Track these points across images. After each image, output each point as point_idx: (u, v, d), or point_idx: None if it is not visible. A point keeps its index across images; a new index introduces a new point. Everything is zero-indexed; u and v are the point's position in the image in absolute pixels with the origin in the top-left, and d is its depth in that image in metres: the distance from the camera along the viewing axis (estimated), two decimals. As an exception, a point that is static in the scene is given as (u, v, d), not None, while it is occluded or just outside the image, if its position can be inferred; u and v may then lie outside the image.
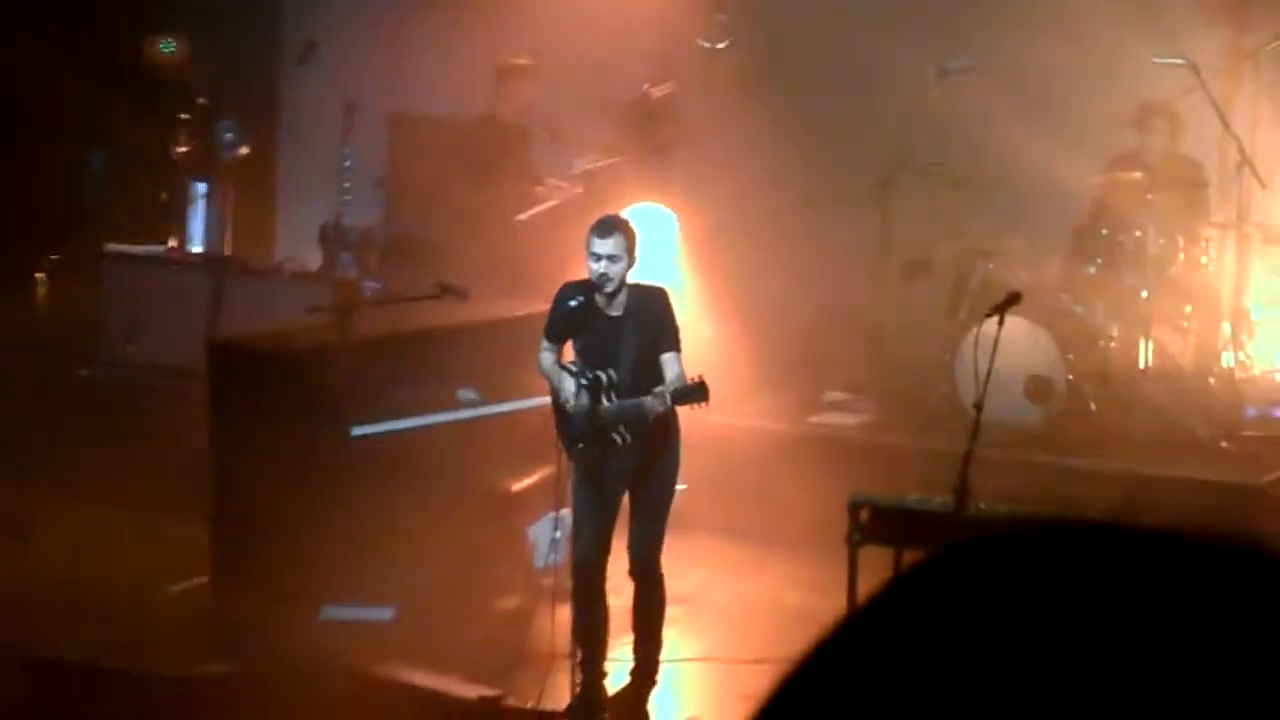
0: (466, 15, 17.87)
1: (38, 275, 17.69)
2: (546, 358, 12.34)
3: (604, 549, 12.22)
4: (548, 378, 12.35)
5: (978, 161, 16.31)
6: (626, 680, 12.35)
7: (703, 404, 11.86)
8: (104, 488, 15.47)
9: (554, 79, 17.52)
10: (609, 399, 12.03)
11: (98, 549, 14.89)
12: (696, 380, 11.81)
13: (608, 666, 12.34)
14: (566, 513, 12.53)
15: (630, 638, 12.39)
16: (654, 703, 12.40)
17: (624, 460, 12.12)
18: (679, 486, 12.68)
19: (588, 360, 12.16)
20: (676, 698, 12.60)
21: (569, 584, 12.50)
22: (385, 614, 13.27)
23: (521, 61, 17.45)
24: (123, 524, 15.15)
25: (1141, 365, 15.70)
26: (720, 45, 17.58)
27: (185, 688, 12.29)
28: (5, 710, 11.82)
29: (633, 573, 12.25)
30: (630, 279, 12.19)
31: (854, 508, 12.02)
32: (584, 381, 12.11)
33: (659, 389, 11.79)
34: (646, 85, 17.54)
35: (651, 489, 12.23)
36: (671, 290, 12.53)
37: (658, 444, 12.12)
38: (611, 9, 17.64)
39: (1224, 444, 15.36)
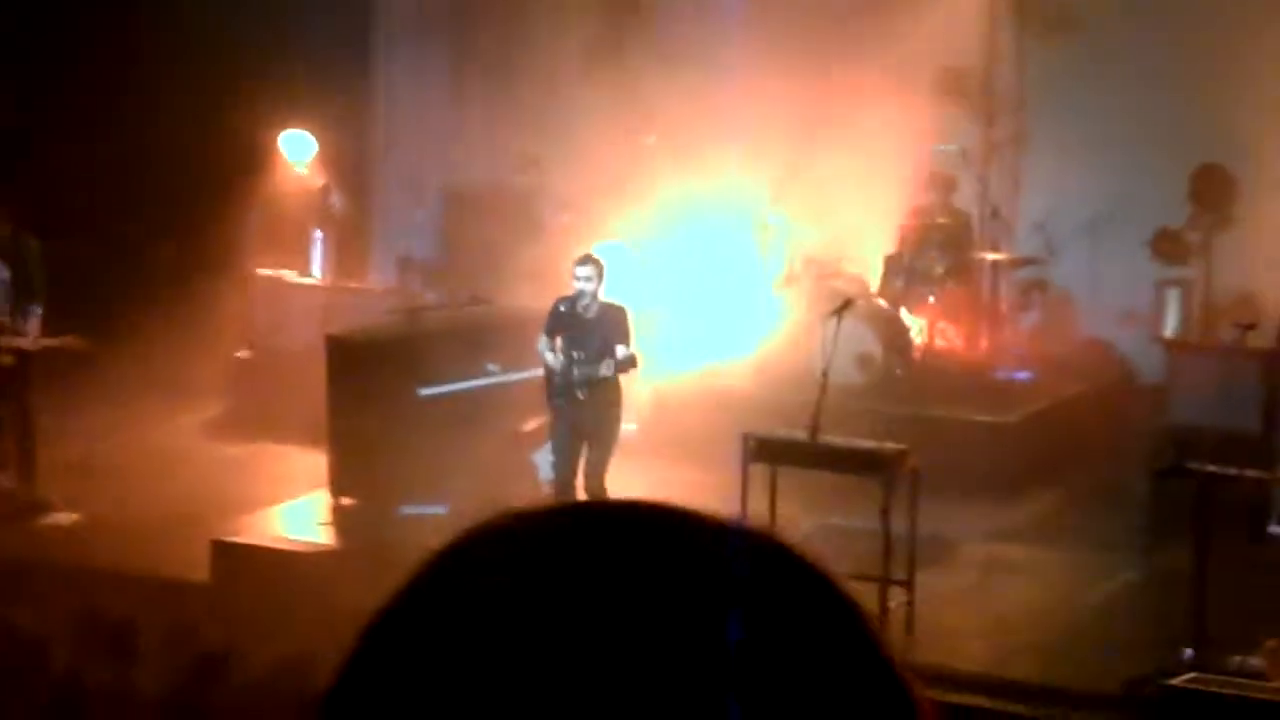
0: (499, 114, 17.74)
1: (215, 292, 17.51)
2: (543, 343, 12.36)
3: (573, 470, 12.35)
4: (541, 357, 12.39)
5: (823, 208, 16.25)
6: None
7: (634, 369, 12.08)
8: (256, 427, 15.40)
9: (552, 163, 17.43)
10: (575, 371, 12.13)
11: (250, 467, 14.86)
12: (629, 356, 12.00)
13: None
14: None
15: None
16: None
17: (583, 411, 12.19)
18: (629, 427, 12.71)
19: (568, 346, 12.20)
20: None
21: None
22: (441, 509, 13.21)
23: (529, 154, 17.41)
24: (268, 451, 15.10)
25: (931, 345, 15.70)
26: (650, 140, 17.45)
27: (317, 559, 12.21)
28: (191, 581, 11.66)
29: (586, 488, 12.27)
30: (601, 296, 12.27)
31: (745, 438, 11.95)
32: (562, 358, 12.20)
33: (607, 361, 11.94)
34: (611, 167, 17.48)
35: (599, 431, 12.27)
36: (628, 307, 12.55)
37: (604, 401, 12.19)
38: (585, 117, 17.51)
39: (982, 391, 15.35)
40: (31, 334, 13.78)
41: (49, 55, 16.33)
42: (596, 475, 12.32)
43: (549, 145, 17.47)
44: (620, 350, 12.19)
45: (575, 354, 12.23)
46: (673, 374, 15.23)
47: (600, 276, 12.36)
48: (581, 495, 12.28)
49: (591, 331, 12.26)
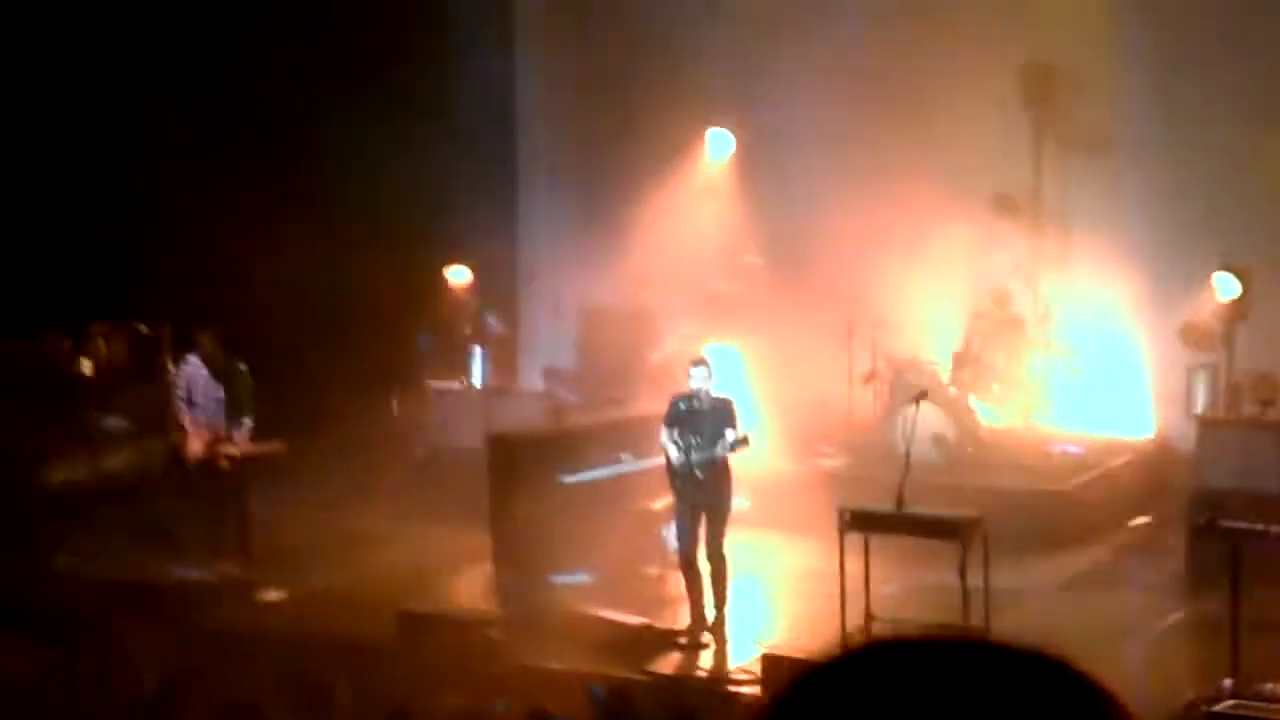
0: (622, 242, 17.83)
1: (392, 401, 17.66)
2: (664, 434, 12.31)
3: (695, 542, 12.22)
4: (664, 447, 12.32)
5: (900, 315, 16.20)
6: (713, 613, 12.26)
7: (746, 448, 11.99)
8: (430, 514, 15.45)
9: (666, 284, 17.50)
10: (692, 454, 12.06)
11: (427, 547, 14.89)
12: (743, 436, 11.91)
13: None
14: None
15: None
16: (729, 626, 12.30)
17: (701, 490, 12.11)
18: (742, 503, 12.63)
19: (684, 435, 12.14)
20: (740, 623, 12.43)
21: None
22: (585, 578, 13.19)
23: (646, 278, 17.50)
24: (440, 533, 15.12)
25: (994, 427, 15.58)
26: (756, 261, 17.51)
27: (484, 626, 12.19)
28: (380, 645, 11.68)
29: (708, 557, 12.21)
30: (713, 391, 12.22)
31: (841, 511, 11.87)
32: (681, 445, 12.13)
33: (722, 443, 11.87)
34: (719, 285, 17.54)
35: (716, 507, 12.20)
36: (735, 399, 12.49)
37: (718, 481, 12.12)
38: (692, 243, 17.59)
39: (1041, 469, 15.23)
40: (243, 442, 13.94)
41: (258, 211, 16.56)
42: (716, 545, 12.25)
43: (666, 269, 17.55)
44: (729, 434, 12.12)
45: (693, 441, 12.19)
46: (778, 457, 15.16)
47: (711, 375, 12.35)
48: (703, 563, 12.25)
49: (705, 421, 12.21)
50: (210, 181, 16.63)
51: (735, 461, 12.33)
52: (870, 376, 16.25)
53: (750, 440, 12.09)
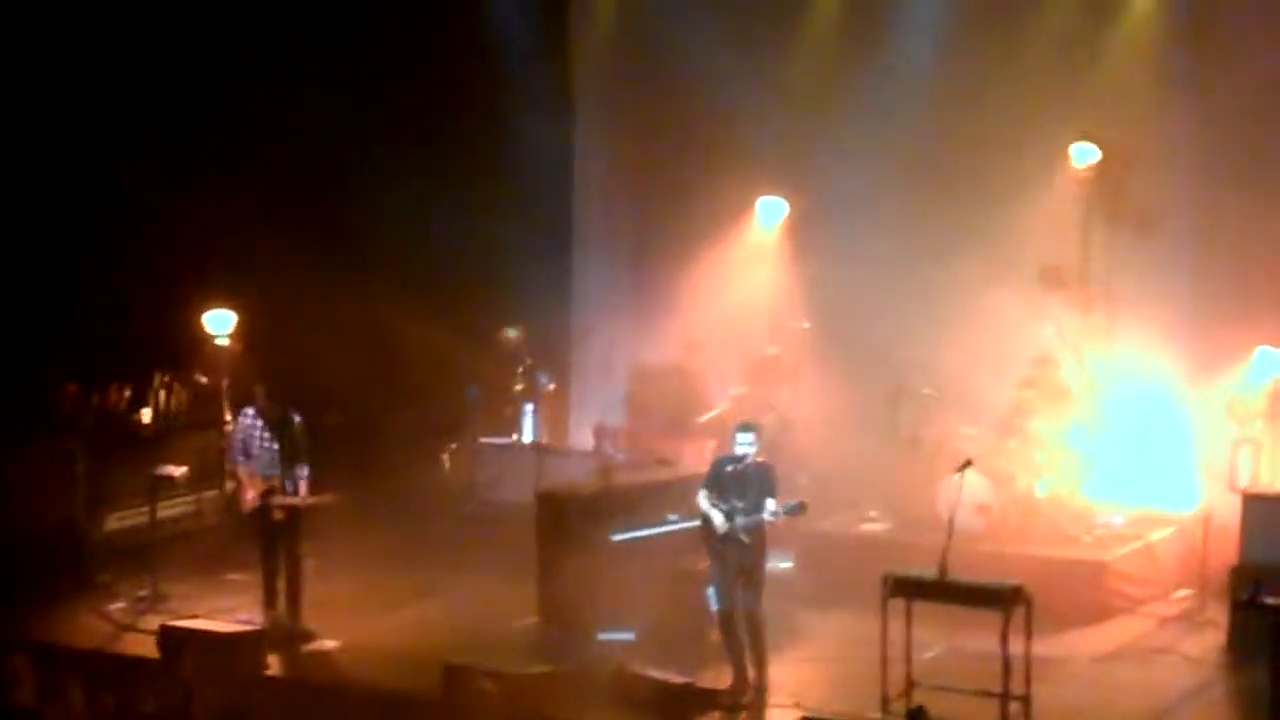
0: (672, 306, 17.96)
1: (443, 455, 17.77)
2: (703, 496, 12.34)
3: (734, 603, 12.20)
4: (701, 507, 12.34)
5: (946, 383, 16.23)
6: (753, 672, 12.26)
7: (803, 514, 11.97)
8: (479, 568, 15.51)
9: (714, 346, 17.60)
10: (737, 518, 12.07)
11: (475, 601, 14.93)
12: (801, 503, 11.90)
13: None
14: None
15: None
16: (770, 687, 12.31)
17: (745, 552, 12.12)
18: (784, 565, 12.61)
19: (726, 498, 12.17)
20: (781, 684, 12.43)
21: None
22: (630, 635, 13.19)
23: (695, 340, 17.59)
24: (489, 587, 15.16)
25: (1038, 496, 15.56)
26: (804, 325, 17.60)
27: (531, 681, 12.20)
28: (429, 700, 11.68)
29: (747, 618, 12.22)
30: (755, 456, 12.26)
31: (885, 577, 11.87)
32: (724, 508, 12.15)
33: (774, 509, 11.86)
34: (767, 349, 17.60)
35: (756, 569, 12.20)
36: (774, 465, 12.48)
37: (759, 544, 12.13)
38: (741, 307, 17.70)
39: (1085, 538, 15.18)
40: (300, 494, 14.04)
41: (317, 269, 16.74)
42: (755, 607, 12.26)
43: (715, 331, 17.63)
44: (770, 501, 12.13)
45: (737, 505, 12.21)
46: (824, 521, 15.17)
47: (758, 441, 12.38)
48: (741, 622, 12.26)
49: (750, 485, 12.25)
50: (272, 242, 16.82)
51: (781, 525, 12.32)
52: (918, 443, 16.23)
53: (807, 507, 12.09)
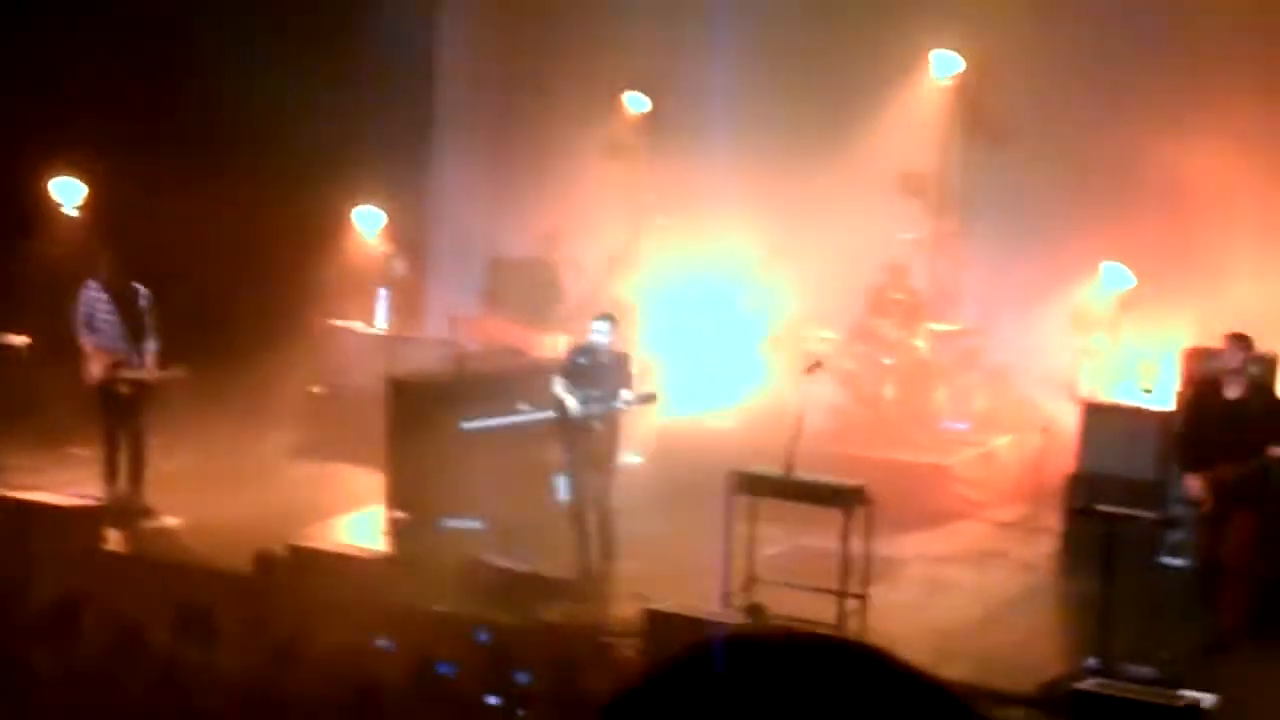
0: (532, 196, 17.82)
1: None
2: (558, 384, 12.32)
3: (584, 492, 12.25)
4: (556, 396, 12.33)
5: (800, 283, 16.26)
6: (599, 563, 12.30)
7: (654, 404, 12.02)
8: (327, 451, 15.40)
9: (572, 240, 17.51)
10: (592, 407, 12.08)
11: (320, 483, 14.83)
12: (650, 393, 11.94)
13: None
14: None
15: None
16: (614, 579, 12.34)
17: (595, 441, 12.13)
18: (635, 459, 12.64)
19: (581, 387, 12.16)
20: (625, 577, 12.47)
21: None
22: (477, 524, 13.17)
23: (554, 230, 17.46)
24: (335, 470, 15.07)
25: (886, 399, 15.69)
26: (662, 220, 17.51)
27: (376, 565, 12.15)
28: (268, 578, 11.54)
29: (596, 509, 12.31)
30: (611, 346, 12.22)
31: (731, 473, 11.92)
32: (579, 396, 12.14)
33: (626, 396, 11.88)
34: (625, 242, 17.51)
35: (607, 458, 12.23)
36: (631, 355, 12.47)
37: (611, 433, 12.15)
38: (600, 201, 17.56)
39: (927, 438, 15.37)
40: (148, 367, 13.79)
41: (169, 146, 16.37)
42: (604, 498, 12.28)
43: (573, 222, 17.53)
44: (625, 390, 12.13)
45: (591, 394, 12.19)
46: (674, 416, 15.21)
47: (614, 330, 12.34)
48: (590, 513, 12.27)
49: (604, 375, 12.21)
50: (126, 118, 16.42)
51: (627, 419, 12.35)
52: (771, 342, 16.29)
53: (657, 397, 12.13)
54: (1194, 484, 11.22)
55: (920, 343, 15.80)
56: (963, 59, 16.23)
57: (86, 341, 13.81)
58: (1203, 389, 11.73)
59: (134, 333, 13.73)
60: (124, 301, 13.73)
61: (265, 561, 11.57)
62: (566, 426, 12.29)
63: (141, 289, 13.80)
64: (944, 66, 16.28)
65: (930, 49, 16.26)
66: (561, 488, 12.91)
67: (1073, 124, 15.88)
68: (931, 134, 16.41)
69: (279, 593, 11.01)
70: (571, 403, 12.19)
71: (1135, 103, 15.50)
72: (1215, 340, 12.11)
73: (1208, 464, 11.12)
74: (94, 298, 13.79)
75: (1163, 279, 15.19)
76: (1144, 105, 15.43)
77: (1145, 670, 10.39)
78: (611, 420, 12.14)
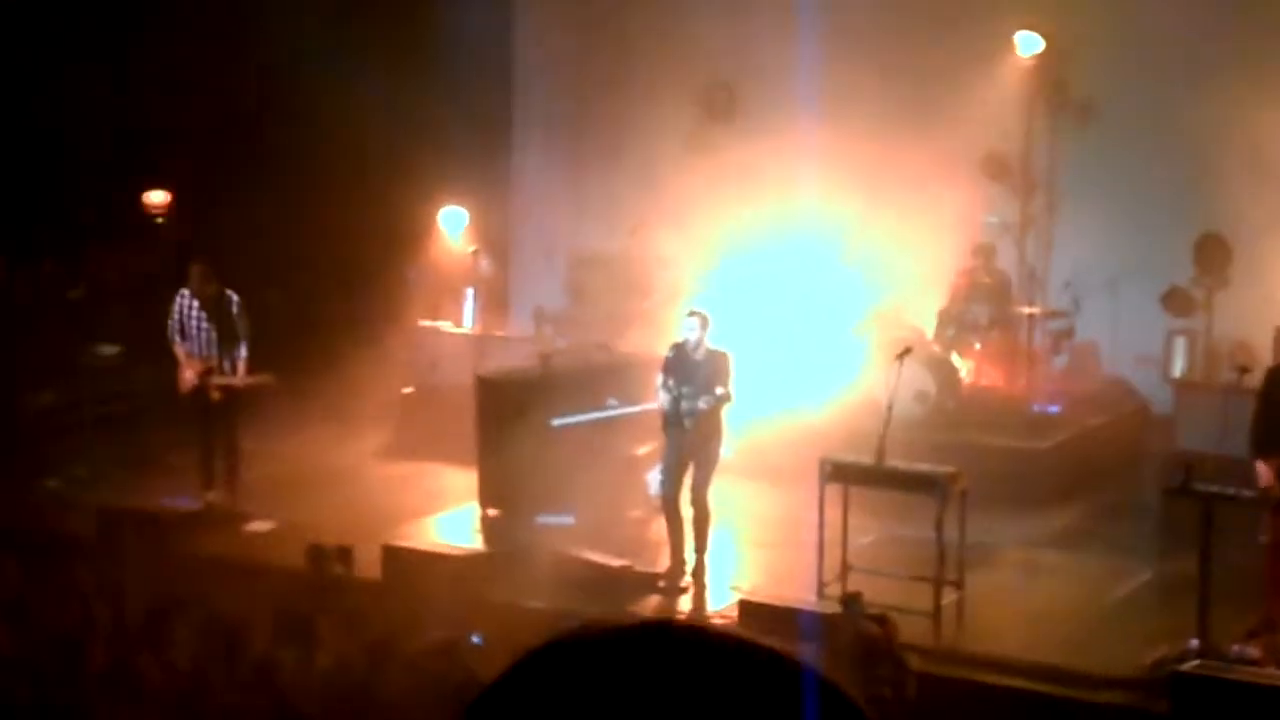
0: (612, 190, 17.80)
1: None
2: (660, 380, 12.27)
3: (678, 488, 12.16)
4: (658, 393, 12.29)
5: (886, 270, 16.14)
6: (693, 558, 12.24)
7: (727, 404, 11.94)
8: (418, 451, 15.43)
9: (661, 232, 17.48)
10: (683, 404, 12.00)
11: (414, 483, 14.88)
12: (724, 393, 11.86)
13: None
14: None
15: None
16: (708, 571, 12.29)
17: (689, 438, 12.05)
18: (727, 453, 12.56)
19: (677, 384, 12.08)
20: (719, 569, 12.43)
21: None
22: (569, 519, 13.16)
23: (642, 222, 17.40)
24: (427, 470, 15.10)
25: (976, 384, 15.55)
26: (747, 212, 17.41)
27: (469, 562, 12.17)
28: (364, 579, 11.55)
29: (691, 503, 12.16)
30: (707, 342, 12.13)
31: (823, 462, 11.86)
32: (673, 394, 12.07)
33: (707, 397, 11.80)
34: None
35: (702, 456, 12.13)
36: (730, 353, 12.36)
37: (707, 430, 12.05)
38: (682, 194, 17.50)
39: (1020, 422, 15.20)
40: (238, 374, 13.89)
41: (254, 152, 16.49)
42: (700, 492, 12.21)
43: (657, 215, 17.48)
44: (718, 389, 12.06)
45: (683, 390, 12.13)
46: (765, 408, 15.12)
47: (704, 326, 12.25)
48: (687, 509, 12.22)
49: (697, 372, 12.13)
50: (209, 123, 16.55)
51: (725, 412, 12.26)
52: (862, 329, 16.18)
53: (731, 397, 12.03)
54: (1262, 470, 10.97)
55: (1010, 326, 15.64)
56: (1045, 39, 16.05)
57: (179, 349, 13.93)
58: (1276, 372, 11.49)
59: (225, 339, 13.84)
60: (215, 309, 13.84)
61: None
62: (664, 421, 12.25)
63: (233, 296, 13.90)
64: (1028, 46, 16.11)
65: (1014, 30, 16.08)
66: (653, 482, 12.88)
67: (1157, 99, 15.69)
68: (1016, 114, 16.24)
69: (378, 593, 11.07)
70: (662, 398, 12.15)
71: (1220, 73, 15.27)
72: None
73: (1277, 448, 10.87)
74: (185, 305, 13.91)
75: (1258, 253, 14.96)
76: (1229, 75, 15.20)
77: (1249, 650, 10.23)
78: (704, 416, 12.03)
